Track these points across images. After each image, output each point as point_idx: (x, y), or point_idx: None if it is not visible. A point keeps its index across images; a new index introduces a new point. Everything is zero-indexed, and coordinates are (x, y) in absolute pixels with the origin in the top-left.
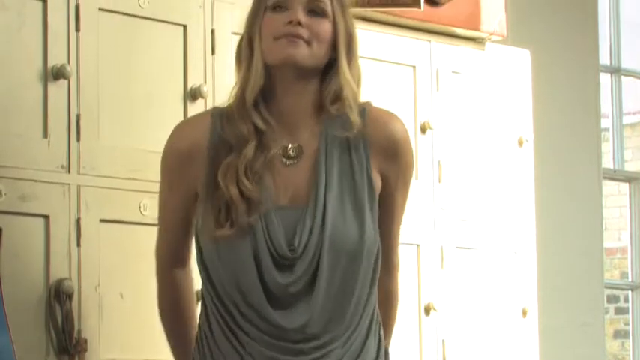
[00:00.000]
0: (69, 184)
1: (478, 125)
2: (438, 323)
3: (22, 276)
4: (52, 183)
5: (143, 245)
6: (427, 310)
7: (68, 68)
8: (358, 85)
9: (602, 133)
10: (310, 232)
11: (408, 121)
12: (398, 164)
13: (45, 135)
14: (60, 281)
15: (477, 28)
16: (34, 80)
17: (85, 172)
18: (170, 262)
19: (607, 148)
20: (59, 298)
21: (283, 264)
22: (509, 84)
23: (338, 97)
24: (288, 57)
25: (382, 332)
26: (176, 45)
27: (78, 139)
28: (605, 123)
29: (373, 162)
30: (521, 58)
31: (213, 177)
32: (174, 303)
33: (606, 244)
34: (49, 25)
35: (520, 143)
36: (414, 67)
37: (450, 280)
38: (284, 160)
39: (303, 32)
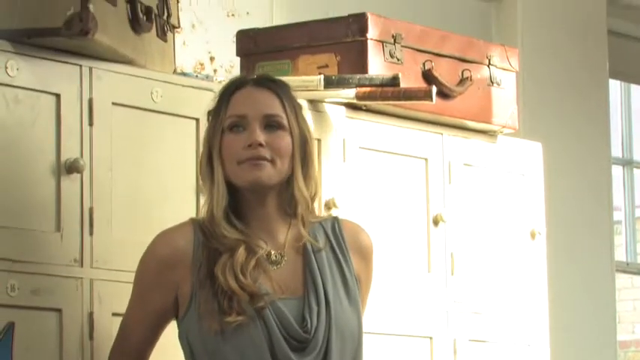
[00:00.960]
0: (82, 278)
1: (490, 217)
2: None
3: None
4: (64, 277)
5: None
6: None
7: (81, 162)
8: (316, 192)
9: (615, 226)
10: (318, 316)
11: (420, 213)
12: (368, 269)
13: (58, 229)
14: None
15: (488, 121)
16: (47, 174)
17: (97, 265)
18: None
19: (620, 241)
20: None
21: (297, 347)
22: (522, 176)
23: (297, 211)
24: (255, 180)
25: None
26: (188, 139)
27: (91, 233)
28: (618, 215)
29: (353, 259)
30: (533, 151)
31: (206, 274)
32: None
33: (620, 337)
34: (62, 118)
35: (533, 236)
36: (426, 159)
37: None
38: (270, 265)
39: (265, 152)
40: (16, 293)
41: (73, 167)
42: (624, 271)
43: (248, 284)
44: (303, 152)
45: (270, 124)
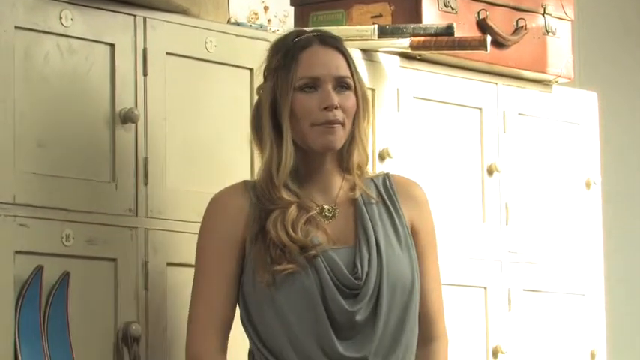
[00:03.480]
0: (136, 228)
1: (545, 167)
2: None
3: (89, 319)
4: (119, 226)
5: None
6: (495, 354)
7: (136, 112)
8: (366, 144)
9: None
10: (369, 263)
11: (474, 163)
12: (425, 219)
13: (113, 179)
14: (127, 324)
15: (543, 71)
16: (102, 124)
17: (152, 215)
18: (222, 348)
19: None
20: (127, 341)
21: (348, 293)
22: (577, 126)
23: (355, 165)
24: (328, 145)
25: None
26: (242, 88)
27: (145, 183)
28: None
29: (405, 209)
30: (588, 100)
31: (260, 230)
32: None
33: None
34: (116, 69)
35: (588, 185)
36: (480, 109)
37: (517, 322)
38: (323, 219)
39: (339, 115)
40: (71, 243)
41: (127, 117)
42: None
43: (298, 238)
44: (363, 109)
45: (341, 85)
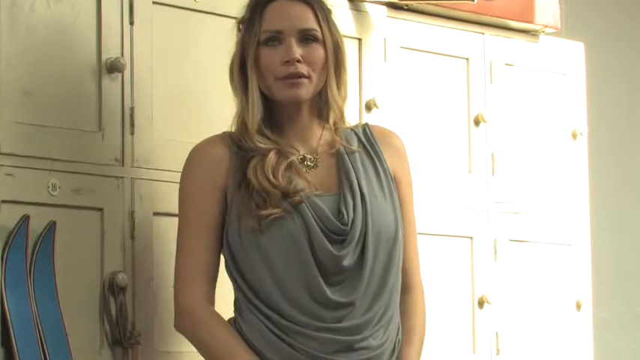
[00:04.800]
0: (122, 177)
1: (532, 118)
2: (492, 316)
3: (76, 269)
4: (105, 176)
5: None
6: (481, 304)
7: (122, 61)
8: (344, 99)
9: None
10: (354, 209)
11: (461, 113)
12: (404, 168)
13: (99, 128)
14: (114, 274)
15: (530, 21)
16: (88, 73)
17: (138, 164)
18: (208, 290)
19: None
20: (113, 290)
21: (334, 239)
22: (564, 76)
23: (329, 117)
24: (293, 97)
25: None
26: (229, 38)
27: (132, 133)
28: None
29: (387, 156)
30: (575, 51)
31: (243, 178)
32: (230, 337)
33: None
34: (103, 17)
35: (574, 136)
36: (467, 59)
37: (503, 273)
38: (304, 168)
39: (302, 68)
40: (57, 192)
41: (113, 66)
42: None
43: (280, 184)
44: (336, 60)
45: (306, 38)
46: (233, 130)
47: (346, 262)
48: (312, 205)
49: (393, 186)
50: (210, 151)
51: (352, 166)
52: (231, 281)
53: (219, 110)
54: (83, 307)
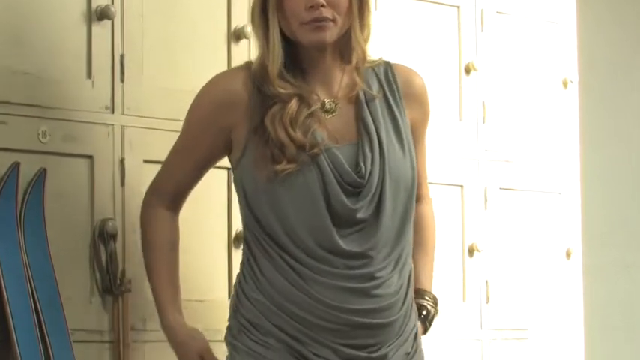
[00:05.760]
0: (113, 125)
1: (523, 66)
2: (482, 264)
3: (66, 217)
4: (95, 123)
5: None
6: (470, 251)
7: (112, 9)
8: (366, 41)
9: None
10: (372, 162)
11: (452, 61)
12: (424, 111)
13: (89, 76)
14: (104, 222)
15: None
16: (78, 21)
17: (128, 112)
18: (170, 206)
19: None
20: (103, 238)
21: (350, 191)
22: (555, 25)
23: (351, 59)
24: (318, 42)
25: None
26: None
27: (122, 80)
28: None
29: (406, 107)
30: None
31: (260, 122)
32: (169, 247)
33: None
34: None
35: (565, 84)
36: (458, 7)
37: (493, 221)
38: (324, 114)
39: (327, 12)
40: (47, 140)
41: (103, 14)
42: None
43: (297, 137)
44: (360, 1)
45: None
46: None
47: (361, 215)
48: (331, 156)
49: (411, 137)
50: (227, 88)
51: (372, 116)
52: (244, 229)
53: (209, 57)
54: (73, 255)
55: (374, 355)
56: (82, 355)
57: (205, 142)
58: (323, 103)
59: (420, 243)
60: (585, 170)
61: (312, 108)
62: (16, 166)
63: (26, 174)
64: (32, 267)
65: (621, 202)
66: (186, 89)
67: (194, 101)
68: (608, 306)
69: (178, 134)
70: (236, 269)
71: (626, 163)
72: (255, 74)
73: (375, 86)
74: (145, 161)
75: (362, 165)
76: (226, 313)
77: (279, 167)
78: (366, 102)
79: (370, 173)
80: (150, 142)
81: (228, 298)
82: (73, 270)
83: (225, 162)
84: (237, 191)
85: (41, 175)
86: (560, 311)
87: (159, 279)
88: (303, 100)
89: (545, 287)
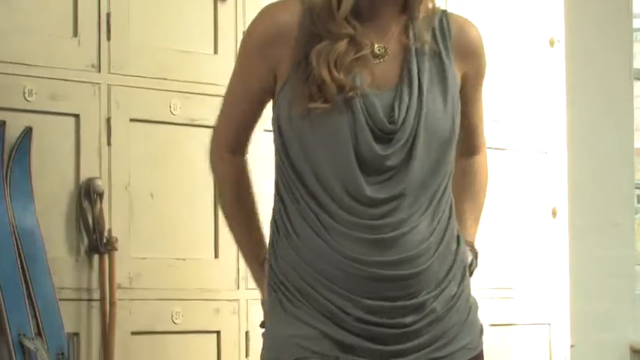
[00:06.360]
0: (99, 84)
1: (509, 25)
2: None
3: (52, 175)
4: (82, 82)
5: (173, 145)
6: None
7: None
8: None
9: (635, 34)
10: (407, 109)
11: None
12: (479, 64)
13: (75, 34)
14: (90, 180)
15: None
16: None
17: (115, 71)
18: (233, 149)
19: (638, 49)
20: (90, 197)
21: (382, 137)
22: None
23: (416, 11)
24: None
25: (460, 236)
26: None
27: (108, 38)
28: (637, 23)
29: (457, 62)
30: None
31: (304, 57)
32: (239, 189)
33: (637, 144)
34: None
35: (551, 44)
36: None
37: None
38: (373, 59)
39: None
40: (33, 98)
41: None
42: None
43: (339, 77)
44: None
45: None
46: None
47: (390, 162)
48: (366, 101)
49: (457, 90)
50: (277, 19)
51: (418, 65)
52: (276, 171)
53: (196, 15)
54: (59, 214)
55: (408, 302)
56: (69, 313)
57: (258, 73)
58: (372, 47)
59: (469, 193)
60: (572, 130)
61: (362, 52)
62: (1, 125)
63: (12, 132)
64: (18, 225)
65: (607, 162)
66: (173, 48)
67: (245, 33)
68: (594, 264)
69: (165, 92)
70: (222, 229)
71: (612, 123)
72: (313, 9)
73: (428, 36)
74: (132, 120)
75: (396, 110)
76: (211, 273)
77: (314, 105)
78: (416, 51)
79: (404, 119)
80: (136, 100)
81: (215, 257)
82: (59, 229)
83: (204, 120)
84: (273, 129)
85: (27, 133)
86: (546, 270)
87: (235, 234)
88: (355, 43)
89: (532, 246)
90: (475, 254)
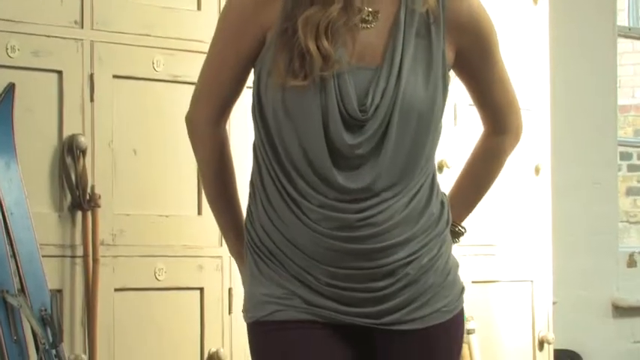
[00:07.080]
0: (82, 40)
1: None
2: (451, 180)
3: (35, 132)
4: (65, 38)
5: (156, 102)
6: (440, 168)
7: None
8: None
9: None
10: (383, 94)
11: None
12: (476, 35)
13: None
14: (73, 137)
15: None
16: None
17: (98, 27)
18: (214, 119)
19: (622, 6)
20: (73, 153)
21: (353, 124)
22: None
23: None
24: None
25: (445, 200)
26: None
27: None
28: None
29: (449, 37)
30: None
31: (291, 24)
32: (220, 160)
33: (620, 101)
34: None
35: (535, 1)
36: None
37: (463, 137)
38: (361, 24)
39: None
40: (16, 54)
41: None
42: (626, 36)
43: (326, 48)
44: None
45: None
46: None
47: (360, 151)
48: (341, 82)
49: (443, 68)
50: None
51: (403, 40)
52: (253, 122)
53: None
54: (42, 170)
55: (379, 270)
56: (52, 269)
57: (249, 34)
58: (360, 11)
59: (475, 175)
60: (555, 87)
61: (352, 19)
62: None
63: None
64: (1, 181)
65: (590, 119)
66: (156, 4)
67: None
68: (577, 222)
69: (148, 49)
70: None
71: (595, 80)
72: None
73: (420, 5)
74: (115, 76)
75: (370, 97)
76: (194, 230)
77: (290, 82)
78: (405, 23)
79: (377, 107)
80: (119, 57)
81: (198, 214)
82: (43, 185)
83: (187, 77)
84: (252, 97)
85: (10, 89)
86: (529, 227)
87: (213, 208)
88: (350, 7)
89: (514, 203)
90: (457, 234)
